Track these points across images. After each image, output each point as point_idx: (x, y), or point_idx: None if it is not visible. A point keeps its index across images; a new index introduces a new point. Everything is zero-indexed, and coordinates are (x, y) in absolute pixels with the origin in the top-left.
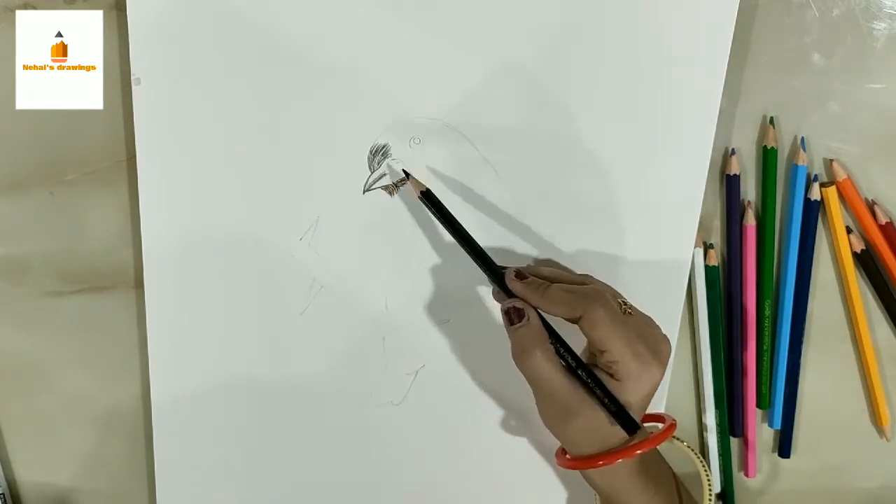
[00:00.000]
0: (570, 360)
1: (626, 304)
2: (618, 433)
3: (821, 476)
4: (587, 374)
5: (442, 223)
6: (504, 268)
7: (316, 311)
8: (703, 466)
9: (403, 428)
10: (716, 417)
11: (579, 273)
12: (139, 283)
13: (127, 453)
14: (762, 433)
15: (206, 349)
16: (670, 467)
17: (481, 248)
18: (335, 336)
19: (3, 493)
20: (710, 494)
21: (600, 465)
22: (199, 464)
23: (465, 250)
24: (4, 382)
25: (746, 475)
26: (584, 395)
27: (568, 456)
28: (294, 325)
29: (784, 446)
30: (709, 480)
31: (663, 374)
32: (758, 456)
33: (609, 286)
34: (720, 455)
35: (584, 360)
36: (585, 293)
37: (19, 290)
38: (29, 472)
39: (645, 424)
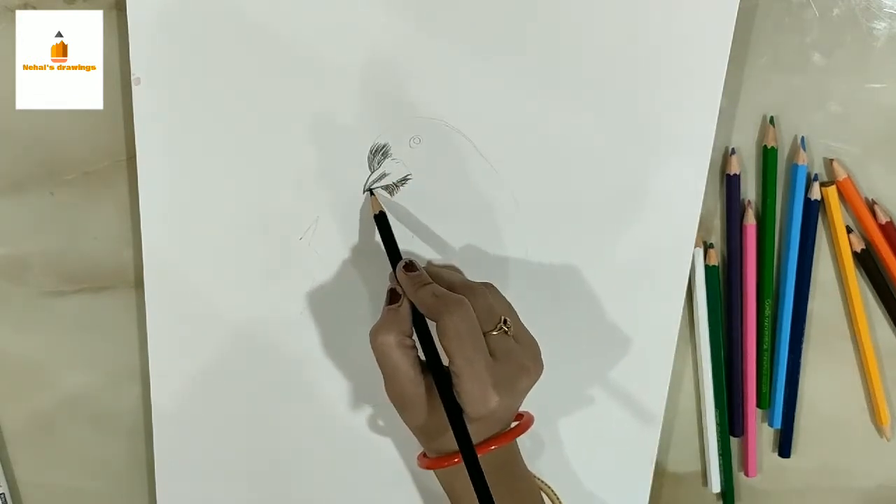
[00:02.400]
0: (424, 356)
1: (506, 323)
2: (448, 443)
3: (821, 475)
4: (436, 374)
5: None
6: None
7: (316, 311)
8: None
9: (403, 428)
10: (716, 417)
11: (482, 281)
12: (139, 283)
13: (127, 453)
14: (762, 433)
15: (206, 349)
16: (535, 482)
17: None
18: (334, 336)
19: (3, 494)
20: None
21: (425, 467)
22: (199, 464)
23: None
24: (4, 382)
25: (746, 475)
26: (427, 393)
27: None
28: (294, 325)
29: (784, 446)
30: None
31: (510, 406)
32: (758, 455)
33: (502, 300)
34: (720, 455)
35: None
36: (448, 301)
37: (19, 290)
38: (29, 473)
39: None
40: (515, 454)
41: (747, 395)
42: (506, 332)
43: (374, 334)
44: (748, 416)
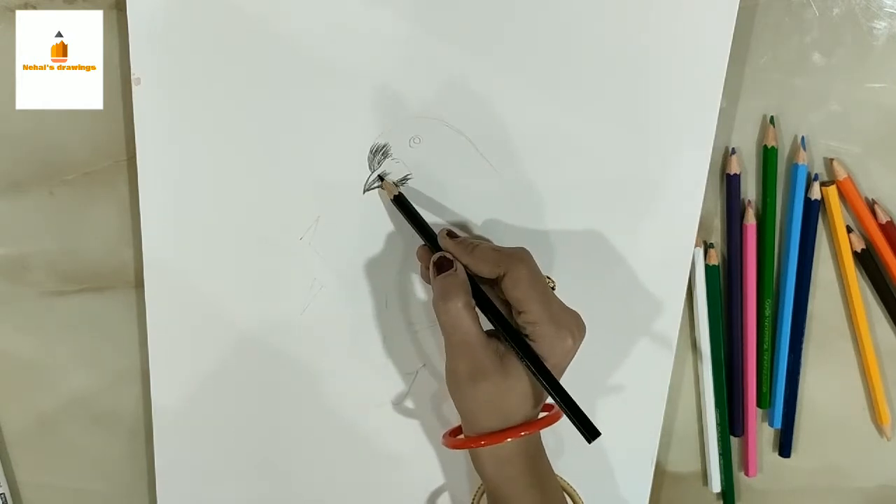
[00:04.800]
0: (492, 319)
1: (551, 280)
2: (521, 411)
3: (821, 475)
4: (510, 333)
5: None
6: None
7: (316, 311)
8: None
9: (403, 428)
10: (716, 417)
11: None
12: (139, 283)
13: (127, 453)
14: (762, 432)
15: (207, 349)
16: (559, 480)
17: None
18: (335, 336)
19: (3, 494)
20: None
21: (505, 441)
22: (199, 464)
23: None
24: (5, 382)
25: (747, 474)
26: (499, 360)
27: (461, 435)
28: (294, 325)
29: (784, 445)
30: None
31: (576, 349)
32: (758, 455)
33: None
34: (720, 454)
35: None
36: (511, 252)
37: (19, 290)
38: (29, 473)
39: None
40: (542, 448)
41: (747, 394)
42: (553, 288)
43: (442, 302)
44: (748, 415)
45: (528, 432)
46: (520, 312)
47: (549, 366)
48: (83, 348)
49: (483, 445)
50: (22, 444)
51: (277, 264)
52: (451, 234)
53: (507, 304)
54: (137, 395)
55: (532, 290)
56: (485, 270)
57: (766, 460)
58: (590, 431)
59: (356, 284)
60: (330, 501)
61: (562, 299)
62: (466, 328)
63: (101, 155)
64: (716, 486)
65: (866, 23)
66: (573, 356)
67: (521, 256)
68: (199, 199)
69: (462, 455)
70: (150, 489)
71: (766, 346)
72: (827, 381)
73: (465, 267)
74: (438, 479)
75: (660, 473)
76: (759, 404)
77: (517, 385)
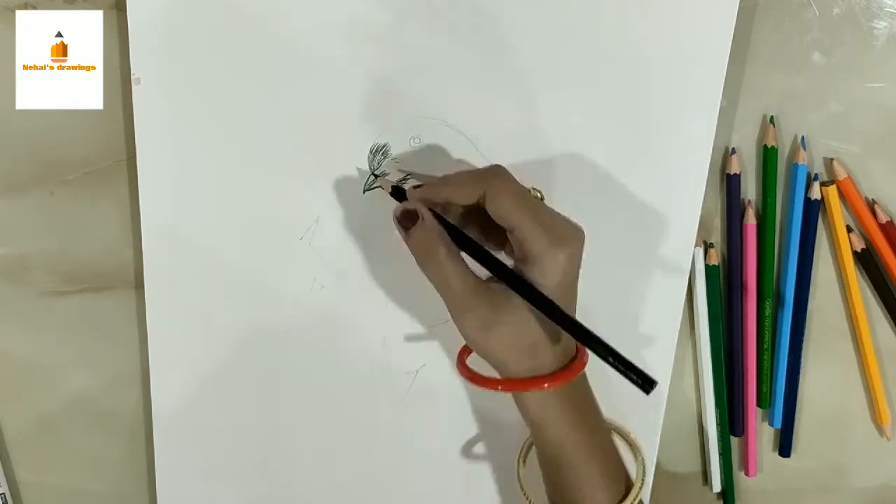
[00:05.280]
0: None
1: (536, 190)
2: (545, 348)
3: (821, 475)
4: (500, 270)
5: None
6: None
7: (316, 311)
8: (636, 445)
9: (403, 427)
10: (716, 416)
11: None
12: (139, 283)
13: (127, 453)
14: (762, 432)
15: (206, 349)
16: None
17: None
18: (335, 335)
19: (3, 494)
20: (643, 477)
21: (545, 387)
22: (199, 464)
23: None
24: (5, 382)
25: (747, 474)
26: (502, 296)
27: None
28: (294, 325)
29: (784, 445)
30: (643, 464)
31: (579, 259)
32: (758, 455)
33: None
34: (721, 454)
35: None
36: (486, 169)
37: (19, 290)
38: (29, 472)
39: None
40: (587, 389)
41: (747, 394)
42: (539, 199)
43: (423, 261)
44: (748, 415)
45: (551, 384)
46: (510, 231)
47: (553, 287)
48: (83, 348)
49: (501, 390)
50: (22, 444)
51: (277, 264)
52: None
53: (501, 235)
54: (137, 395)
55: (518, 203)
56: (465, 195)
57: (766, 460)
58: (613, 356)
59: (356, 284)
60: (330, 501)
61: None
62: (459, 277)
63: (101, 155)
64: (716, 485)
65: (866, 22)
66: (577, 267)
67: (496, 171)
68: (199, 198)
69: (461, 455)
70: (150, 489)
71: (766, 346)
72: (827, 380)
73: (447, 203)
74: (438, 479)
75: (660, 473)
76: (759, 404)
77: (530, 322)
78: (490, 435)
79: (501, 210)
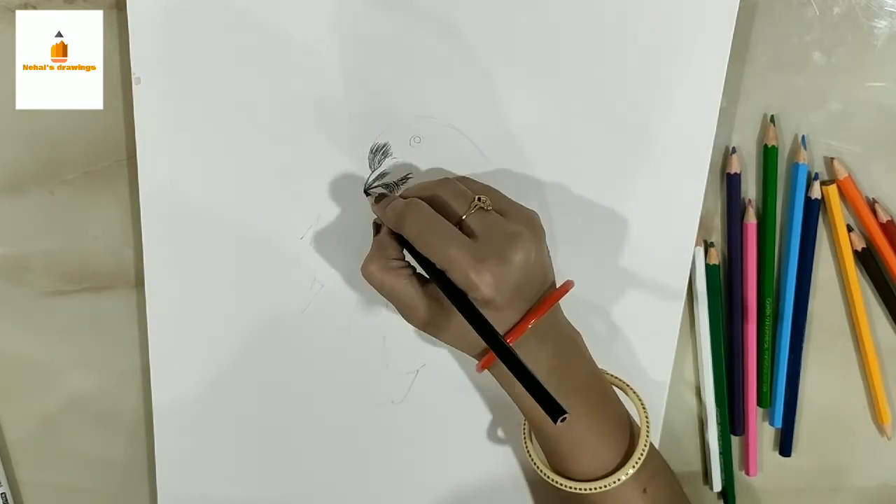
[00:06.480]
0: (423, 271)
1: (481, 200)
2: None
3: (822, 474)
4: (441, 282)
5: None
6: None
7: (316, 310)
8: (640, 399)
9: (403, 427)
10: (716, 416)
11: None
12: (139, 283)
13: (127, 453)
14: (763, 431)
15: (206, 349)
16: (602, 374)
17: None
18: (335, 335)
19: (3, 493)
20: (647, 429)
21: (479, 370)
22: (200, 464)
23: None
24: (5, 382)
25: (747, 473)
26: (441, 305)
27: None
28: (294, 325)
29: (785, 445)
30: (646, 415)
31: (511, 276)
32: (759, 454)
33: (475, 183)
34: (721, 453)
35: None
36: (399, 208)
37: (19, 290)
38: (29, 472)
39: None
40: (572, 350)
41: (748, 393)
42: (483, 209)
43: (363, 269)
44: (749, 414)
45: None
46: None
47: (491, 296)
48: (83, 348)
49: (482, 369)
50: (22, 444)
51: (277, 264)
52: (378, 198)
53: None
54: (138, 395)
55: (425, 242)
56: (390, 223)
57: (766, 459)
58: (527, 379)
59: (356, 284)
60: (330, 501)
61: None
62: (390, 287)
63: (102, 154)
64: (716, 485)
65: (867, 22)
66: (506, 284)
67: (407, 209)
68: (199, 198)
69: (461, 454)
70: (151, 489)
71: (766, 346)
72: (827, 380)
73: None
74: (439, 479)
75: None
76: (759, 403)
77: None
78: (490, 435)
79: (418, 249)
